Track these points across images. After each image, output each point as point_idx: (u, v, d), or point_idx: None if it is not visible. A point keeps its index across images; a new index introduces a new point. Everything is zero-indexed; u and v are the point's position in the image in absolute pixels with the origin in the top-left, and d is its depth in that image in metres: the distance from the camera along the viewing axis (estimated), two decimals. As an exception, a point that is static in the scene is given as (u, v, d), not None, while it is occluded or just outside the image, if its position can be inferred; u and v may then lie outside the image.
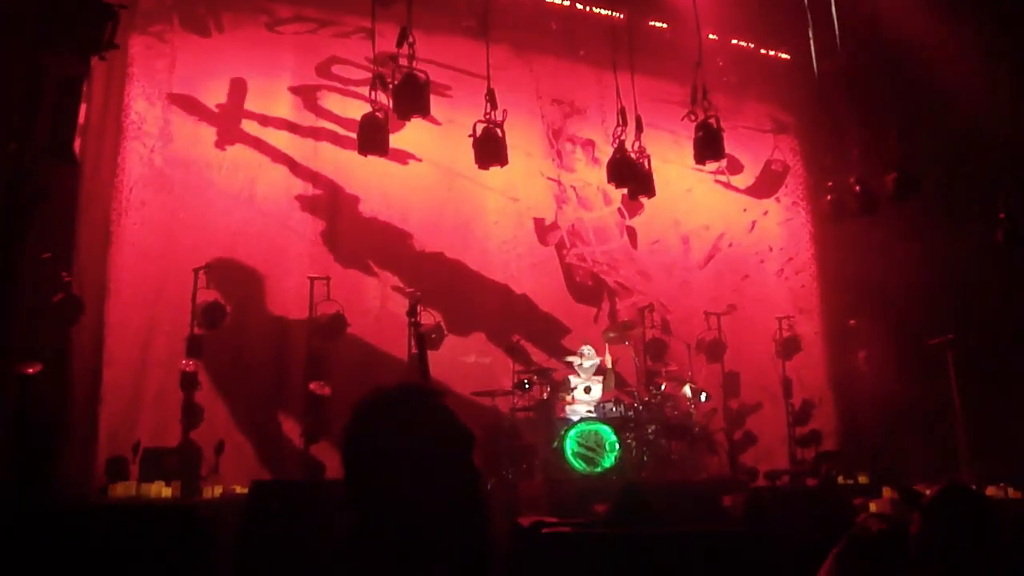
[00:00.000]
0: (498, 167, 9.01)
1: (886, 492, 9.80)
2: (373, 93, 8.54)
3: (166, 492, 8.04)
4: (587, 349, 10.22)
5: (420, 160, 11.41)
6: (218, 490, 8.40)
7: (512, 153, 9.12)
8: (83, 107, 8.47)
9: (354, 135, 9.06)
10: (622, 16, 11.18)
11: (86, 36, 6.69)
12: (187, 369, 9.06)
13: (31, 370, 8.13)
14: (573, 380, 10.02)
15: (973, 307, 10.67)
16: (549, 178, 12.44)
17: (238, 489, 8.19)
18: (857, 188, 10.14)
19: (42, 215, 8.51)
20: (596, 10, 11.96)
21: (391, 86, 8.37)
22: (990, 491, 9.67)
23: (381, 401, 2.11)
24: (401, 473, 1.97)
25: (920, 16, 10.55)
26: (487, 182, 11.36)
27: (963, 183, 10.72)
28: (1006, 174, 10.36)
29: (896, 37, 10.28)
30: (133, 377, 9.43)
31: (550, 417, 9.71)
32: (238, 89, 10.81)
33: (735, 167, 13.47)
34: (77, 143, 8.17)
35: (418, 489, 1.96)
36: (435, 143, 11.32)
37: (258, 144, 10.76)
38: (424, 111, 8.48)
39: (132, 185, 9.92)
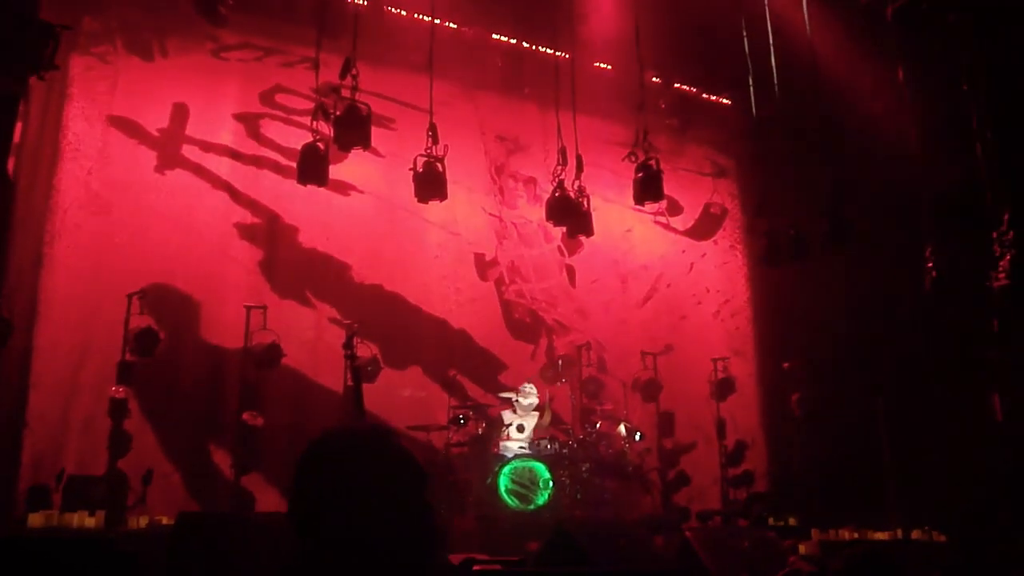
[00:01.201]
0: (438, 201, 9.03)
1: (815, 534, 9.92)
2: (314, 123, 8.53)
3: (89, 522, 7.82)
4: (528, 387, 10.21)
5: (362, 192, 11.38)
6: (144, 521, 8.22)
7: (454, 188, 9.15)
8: (19, 126, 8.37)
9: (296, 165, 9.04)
10: (567, 56, 11.30)
11: (25, 55, 6.61)
12: (117, 396, 8.89)
13: (-47, 393, 7.94)
14: (507, 417, 10.00)
15: (903, 353, 10.88)
16: (490, 214, 12.49)
17: (164, 520, 8.03)
18: (791, 233, 10.31)
19: (-28, 235, 8.36)
20: (542, 49, 12.09)
21: (333, 117, 8.36)
22: (915, 535, 9.83)
23: (339, 438, 2.13)
24: (356, 508, 1.99)
25: (857, 66, 10.83)
26: (428, 216, 11.36)
27: (895, 231, 10.95)
28: (935, 223, 10.61)
29: (833, 86, 10.51)
30: (61, 402, 9.22)
31: (484, 453, 9.69)
32: (180, 114, 10.71)
33: (675, 209, 13.66)
34: (11, 163, 8.06)
35: (372, 523, 1.99)
36: (378, 175, 11.32)
37: (198, 170, 10.66)
38: (365, 143, 8.47)
39: (67, 207, 9.75)
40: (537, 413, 10.15)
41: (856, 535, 10.12)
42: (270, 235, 10.85)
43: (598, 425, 10.60)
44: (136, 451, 8.99)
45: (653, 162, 9.25)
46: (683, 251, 13.84)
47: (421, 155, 8.69)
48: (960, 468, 10.12)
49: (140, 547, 7.07)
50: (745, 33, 10.73)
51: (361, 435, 2.15)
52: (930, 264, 10.12)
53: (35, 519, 7.76)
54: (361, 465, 2.05)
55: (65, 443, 9.12)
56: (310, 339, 10.59)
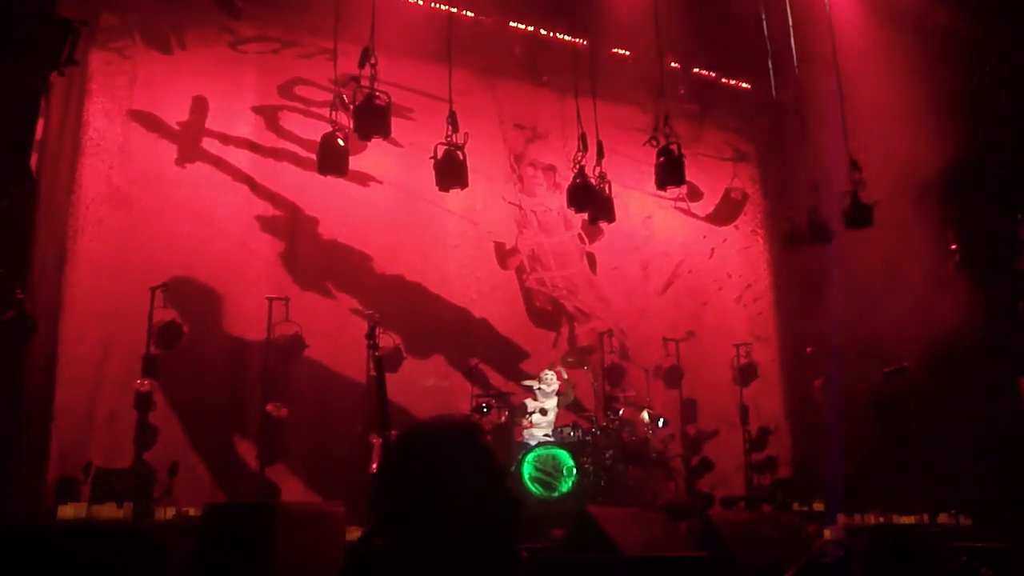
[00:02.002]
0: (459, 190, 9.04)
1: (840, 519, 9.88)
2: (333, 113, 8.54)
3: (117, 514, 7.90)
4: (548, 374, 10.20)
5: (381, 182, 11.39)
6: (171, 512, 8.28)
7: (473, 177, 9.15)
8: (41, 123, 8.41)
9: (315, 157, 9.06)
10: (585, 43, 11.27)
11: (45, 51, 6.63)
12: (142, 389, 8.96)
13: (-19, 389, 8.02)
14: (530, 404, 10.01)
15: (928, 336, 10.82)
16: (510, 202, 12.47)
17: (191, 511, 8.09)
18: (813, 216, 10.26)
19: (-4, 231, 8.42)
20: (560, 36, 12.06)
21: (352, 107, 8.37)
22: (941, 519, 9.79)
23: (425, 435, 2.20)
24: (444, 502, 2.05)
25: (876, 48, 10.75)
26: (448, 205, 11.38)
27: (917, 212, 10.89)
28: (958, 206, 10.55)
29: (853, 68, 10.44)
30: (86, 396, 9.28)
31: (508, 441, 9.69)
32: (199, 107, 10.74)
33: (695, 194, 13.59)
34: (34, 159, 8.10)
35: (460, 516, 2.05)
36: (396, 165, 11.31)
37: (219, 163, 10.69)
38: (385, 132, 8.48)
39: (89, 202, 9.80)
40: (557, 398, 10.15)
41: (882, 519, 10.08)
42: (291, 227, 10.88)
43: (621, 412, 10.58)
44: (162, 443, 9.07)
45: (674, 147, 9.21)
46: (704, 236, 13.78)
47: (441, 143, 8.69)
48: (985, 451, 10.07)
49: (168, 538, 7.12)
50: (764, 16, 10.67)
51: (453, 428, 2.19)
52: (954, 247, 10.07)
53: (65, 511, 7.86)
54: (454, 456, 2.10)
55: (92, 436, 9.18)
56: (332, 330, 10.60)
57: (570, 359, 10.92)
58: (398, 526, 2.06)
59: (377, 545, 2.09)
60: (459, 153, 8.71)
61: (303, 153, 10.79)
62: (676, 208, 13.59)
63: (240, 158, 10.80)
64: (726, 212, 13.99)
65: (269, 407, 9.48)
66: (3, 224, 8.72)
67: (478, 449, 2.13)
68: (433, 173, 8.86)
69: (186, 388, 9.71)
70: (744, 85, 13.35)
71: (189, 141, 10.58)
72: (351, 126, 8.55)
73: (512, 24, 12.03)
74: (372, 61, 8.28)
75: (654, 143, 9.27)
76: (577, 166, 9.48)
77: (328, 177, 9.04)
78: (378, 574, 2.10)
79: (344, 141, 8.71)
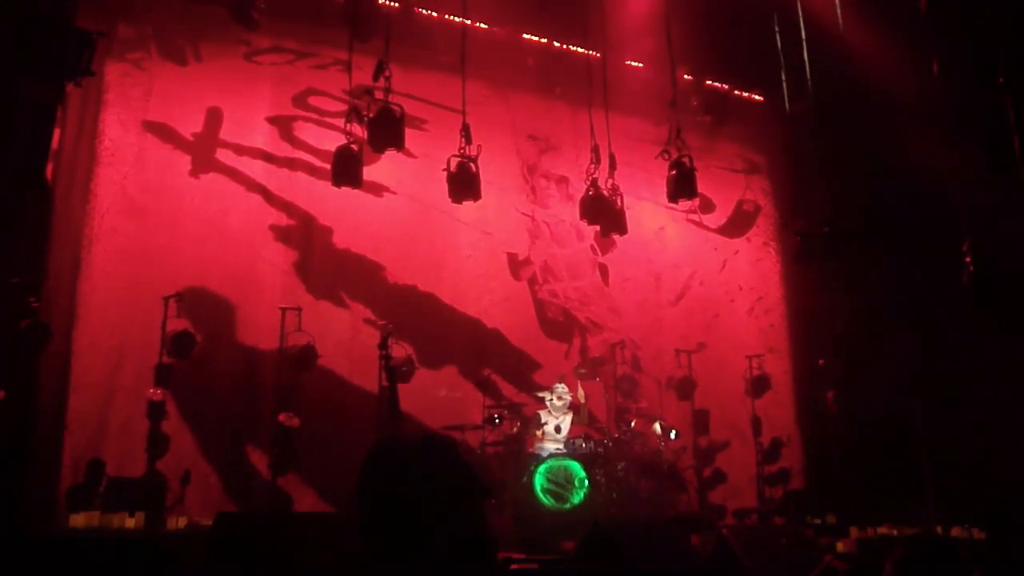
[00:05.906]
0: (471, 201, 9.05)
1: (853, 532, 9.85)
2: (348, 125, 8.57)
3: (129, 523, 7.91)
4: (560, 387, 10.18)
5: (395, 193, 11.42)
6: (183, 522, 8.28)
7: (487, 188, 9.17)
8: (57, 133, 8.47)
9: (329, 166, 9.09)
10: (598, 55, 11.29)
11: (62, 62, 6.69)
12: (154, 398, 8.97)
13: (-5, 397, 8.05)
14: (544, 417, 9.99)
15: (940, 349, 10.78)
16: (523, 213, 12.49)
17: (203, 521, 8.09)
18: (826, 229, 10.23)
19: (11, 240, 8.47)
20: (573, 48, 12.09)
21: (366, 119, 8.40)
22: (955, 531, 9.74)
23: (401, 449, 2.20)
24: (415, 518, 2.04)
25: (890, 60, 10.73)
26: (461, 216, 11.38)
27: (929, 225, 10.85)
28: (971, 217, 10.49)
29: (866, 80, 10.43)
30: (100, 405, 9.31)
31: (520, 452, 9.68)
32: (214, 118, 10.80)
33: (707, 206, 13.59)
34: (49, 169, 8.16)
35: (429, 533, 2.04)
36: (410, 176, 11.34)
37: (233, 173, 10.73)
38: (398, 145, 8.51)
39: (104, 212, 9.85)
40: (571, 412, 10.13)
41: (895, 532, 10.03)
42: (304, 237, 10.91)
43: (633, 424, 10.58)
44: (174, 452, 9.09)
45: (686, 159, 9.20)
46: (715, 249, 13.78)
47: (455, 155, 8.71)
48: (999, 464, 10.01)
49: (179, 547, 7.13)
50: (777, 28, 10.68)
51: (426, 447, 2.18)
52: (967, 259, 10.01)
53: (77, 520, 7.87)
54: (424, 475, 2.09)
55: (104, 445, 9.19)
56: (345, 340, 10.63)
57: (582, 370, 10.90)
58: (371, 538, 2.06)
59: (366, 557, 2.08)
60: (472, 165, 8.73)
61: (317, 163, 10.83)
62: (688, 220, 13.60)
63: (254, 168, 10.84)
64: (738, 224, 13.98)
65: (281, 417, 9.48)
66: (19, 233, 8.77)
67: (447, 464, 2.11)
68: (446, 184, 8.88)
69: (199, 397, 9.73)
70: (757, 97, 13.36)
71: (203, 152, 10.63)
72: (365, 137, 8.58)
73: (526, 36, 12.08)
74: (387, 73, 8.31)
75: (666, 156, 9.27)
76: (589, 178, 9.49)
77: (341, 187, 9.06)
78: None
79: (358, 152, 8.74)
